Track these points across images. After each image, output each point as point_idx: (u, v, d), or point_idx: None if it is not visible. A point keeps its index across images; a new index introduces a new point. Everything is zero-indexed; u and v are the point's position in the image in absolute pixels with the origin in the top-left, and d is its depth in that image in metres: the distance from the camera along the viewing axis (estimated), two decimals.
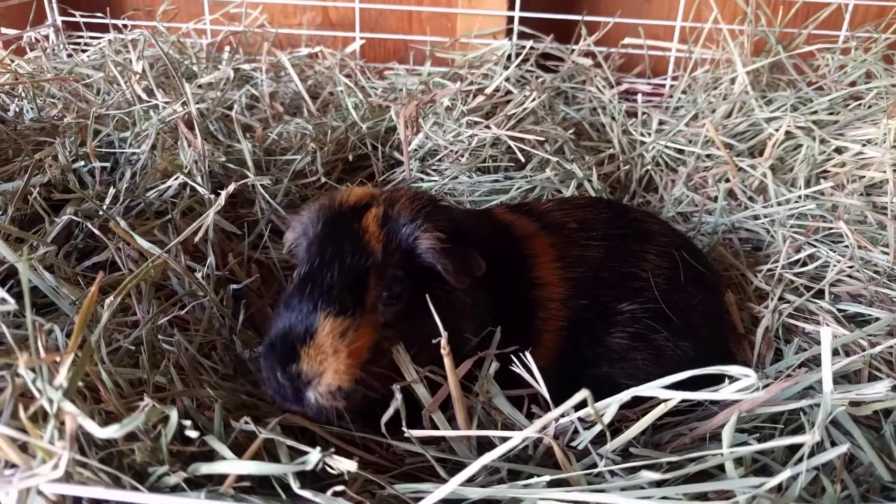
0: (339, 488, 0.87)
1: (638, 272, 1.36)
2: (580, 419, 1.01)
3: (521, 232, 1.38)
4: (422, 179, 2.07)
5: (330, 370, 1.04)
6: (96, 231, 1.48)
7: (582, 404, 0.96)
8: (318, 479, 0.98)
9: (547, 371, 1.09)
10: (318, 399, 1.05)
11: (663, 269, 1.38)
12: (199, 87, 2.33)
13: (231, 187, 1.24)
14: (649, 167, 2.20)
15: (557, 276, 1.31)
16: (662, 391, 0.88)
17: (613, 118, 2.38)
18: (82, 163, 1.73)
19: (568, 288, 1.31)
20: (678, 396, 0.88)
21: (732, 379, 0.91)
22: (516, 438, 0.83)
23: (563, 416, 0.97)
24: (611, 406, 0.96)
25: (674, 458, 0.93)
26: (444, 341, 1.01)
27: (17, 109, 2.15)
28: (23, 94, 2.19)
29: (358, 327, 1.07)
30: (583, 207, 1.47)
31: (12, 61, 2.42)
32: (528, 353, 1.08)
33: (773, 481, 0.83)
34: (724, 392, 0.86)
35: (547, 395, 1.04)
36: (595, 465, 0.98)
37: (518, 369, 1.08)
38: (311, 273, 1.13)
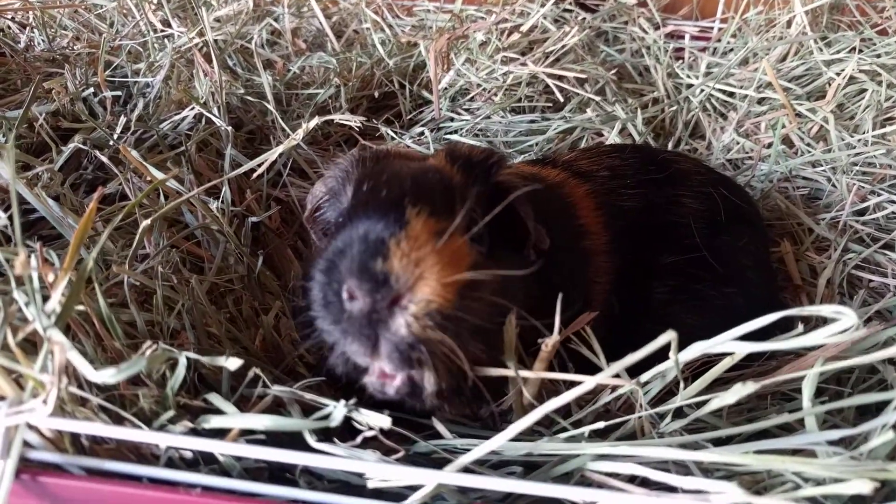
0: (370, 433, 0.77)
1: (676, 219, 1.24)
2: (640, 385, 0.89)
3: (554, 179, 1.25)
4: (451, 119, 1.94)
5: (431, 276, 0.75)
6: (106, 161, 1.38)
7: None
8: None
9: (597, 334, 0.97)
10: (412, 325, 0.74)
11: (703, 210, 1.26)
12: (217, 20, 2.20)
13: (314, 122, 1.11)
14: (696, 112, 2.04)
15: (600, 225, 1.19)
16: (737, 343, 0.75)
17: (658, 60, 2.22)
18: (91, 90, 1.62)
19: (611, 238, 1.19)
20: (760, 349, 0.75)
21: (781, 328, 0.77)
22: (588, 383, 0.72)
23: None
24: (672, 362, 0.84)
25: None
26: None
27: (28, 41, 2.05)
28: (33, 24, 2.08)
29: (454, 237, 0.80)
30: (609, 154, 1.35)
31: None
32: (588, 328, 0.95)
33: (866, 427, 0.71)
34: (818, 336, 0.73)
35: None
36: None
37: (579, 347, 0.94)
38: (380, 184, 0.85)
